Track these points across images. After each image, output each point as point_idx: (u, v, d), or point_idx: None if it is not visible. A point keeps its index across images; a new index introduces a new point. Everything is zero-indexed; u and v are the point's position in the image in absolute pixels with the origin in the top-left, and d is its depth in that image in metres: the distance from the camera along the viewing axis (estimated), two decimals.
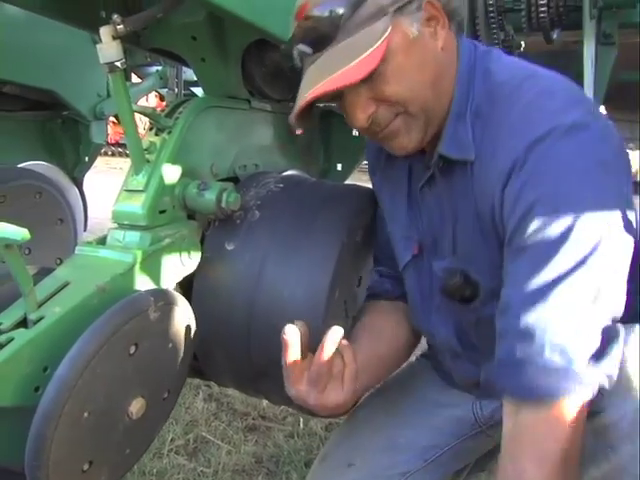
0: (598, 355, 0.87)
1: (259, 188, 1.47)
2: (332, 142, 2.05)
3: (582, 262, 0.88)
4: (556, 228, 0.89)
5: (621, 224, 0.91)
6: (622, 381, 0.81)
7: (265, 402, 2.53)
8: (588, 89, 1.91)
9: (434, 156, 1.10)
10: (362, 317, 1.35)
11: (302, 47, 1.03)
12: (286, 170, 1.77)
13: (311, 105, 1.03)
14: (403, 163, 1.23)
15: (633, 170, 1.20)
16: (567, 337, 0.86)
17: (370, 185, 1.42)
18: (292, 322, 1.09)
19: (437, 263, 1.18)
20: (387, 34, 0.97)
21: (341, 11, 0.97)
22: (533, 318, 0.89)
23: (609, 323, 0.90)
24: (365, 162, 1.51)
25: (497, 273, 1.02)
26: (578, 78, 1.82)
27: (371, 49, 0.95)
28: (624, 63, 2.31)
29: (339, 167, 2.05)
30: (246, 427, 2.43)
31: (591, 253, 0.88)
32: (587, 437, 0.84)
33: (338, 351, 1.09)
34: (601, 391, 0.86)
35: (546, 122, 0.95)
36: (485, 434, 1.37)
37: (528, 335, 0.89)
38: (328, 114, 2.04)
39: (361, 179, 1.69)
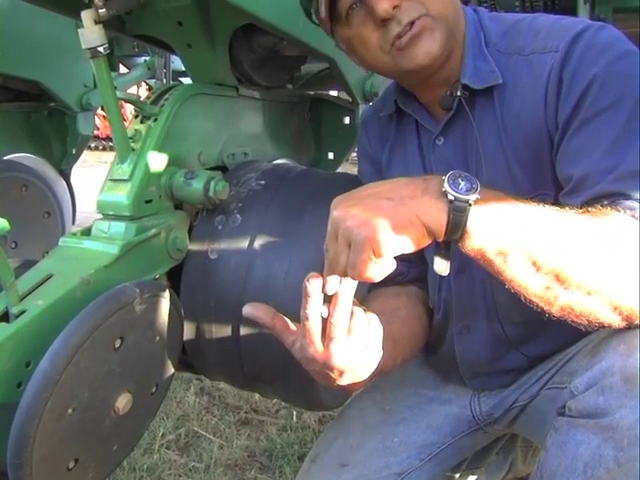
0: None
1: (240, 187, 1.43)
2: (323, 130, 2.01)
3: None
4: (612, 95, 0.96)
5: None
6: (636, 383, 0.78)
7: (257, 396, 2.50)
8: None
9: (455, 90, 1.11)
10: (370, 304, 1.19)
11: None
12: (275, 159, 1.74)
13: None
14: (410, 129, 1.25)
15: None
16: None
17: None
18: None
19: None
20: None
21: None
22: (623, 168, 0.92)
23: None
24: (355, 154, 1.48)
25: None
26: None
27: None
28: None
29: (330, 156, 2.02)
30: (238, 421, 2.40)
31: None
32: (593, 436, 0.81)
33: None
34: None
35: (579, 23, 1.05)
36: (482, 430, 1.33)
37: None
38: (318, 102, 2.00)
39: (352, 171, 1.65)
